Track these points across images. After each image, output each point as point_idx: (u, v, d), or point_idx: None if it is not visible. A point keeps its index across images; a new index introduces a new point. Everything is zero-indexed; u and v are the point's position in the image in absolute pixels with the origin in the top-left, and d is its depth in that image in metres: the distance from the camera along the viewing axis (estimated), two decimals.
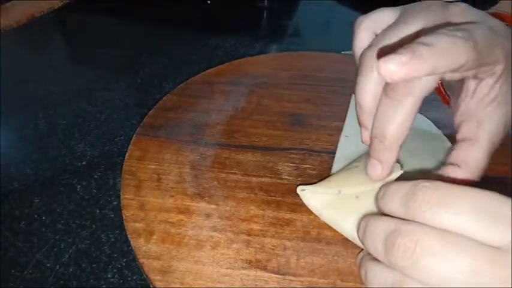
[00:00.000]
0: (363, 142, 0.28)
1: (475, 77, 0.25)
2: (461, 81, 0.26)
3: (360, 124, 0.28)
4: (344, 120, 0.37)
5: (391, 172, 0.26)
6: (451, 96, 0.29)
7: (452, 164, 0.26)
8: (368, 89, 0.26)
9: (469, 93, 0.26)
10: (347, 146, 0.35)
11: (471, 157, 0.25)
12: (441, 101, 0.34)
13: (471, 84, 0.25)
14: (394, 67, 0.20)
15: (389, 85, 0.23)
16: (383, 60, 0.20)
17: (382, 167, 0.25)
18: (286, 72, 0.45)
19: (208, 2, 0.64)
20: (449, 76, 0.25)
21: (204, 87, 0.43)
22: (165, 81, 0.47)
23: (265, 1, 0.64)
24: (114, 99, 0.45)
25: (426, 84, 0.23)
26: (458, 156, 0.26)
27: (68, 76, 0.49)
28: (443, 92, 0.33)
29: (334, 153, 0.35)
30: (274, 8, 0.64)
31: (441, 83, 0.33)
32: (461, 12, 0.24)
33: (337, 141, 0.36)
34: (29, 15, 0.56)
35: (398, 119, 0.23)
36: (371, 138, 0.25)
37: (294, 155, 0.36)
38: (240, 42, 0.54)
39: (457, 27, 0.23)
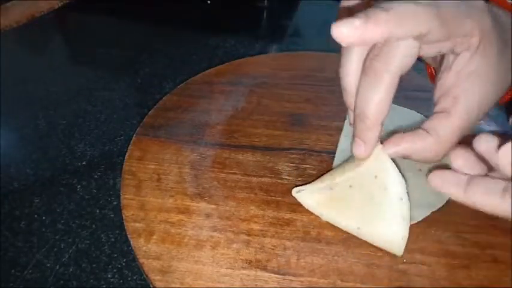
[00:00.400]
0: (350, 124, 0.28)
1: (452, 51, 0.24)
2: (443, 58, 0.26)
3: (347, 106, 0.28)
4: (344, 120, 0.37)
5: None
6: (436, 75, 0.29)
7: (422, 129, 0.25)
8: (350, 70, 0.26)
9: (447, 68, 0.25)
10: (347, 146, 0.35)
11: (443, 127, 0.25)
12: None
13: (449, 58, 0.25)
14: (346, 30, 0.20)
15: (366, 63, 0.24)
16: (335, 24, 0.20)
17: (365, 146, 0.25)
18: (286, 72, 0.45)
19: (208, 2, 0.64)
20: (424, 51, 0.24)
21: (204, 87, 0.43)
22: (165, 81, 0.47)
23: (265, 1, 0.64)
24: (114, 99, 0.45)
25: (402, 60, 0.23)
26: (429, 124, 0.25)
27: (68, 76, 0.49)
28: (434, 75, 0.33)
29: (334, 153, 0.35)
30: (274, 8, 0.63)
31: (434, 70, 0.32)
32: None
33: (337, 141, 0.36)
34: (29, 15, 0.56)
35: (377, 97, 0.23)
36: (354, 118, 0.25)
37: (294, 155, 0.36)
38: (240, 42, 0.54)
39: None
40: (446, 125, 0.25)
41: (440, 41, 0.23)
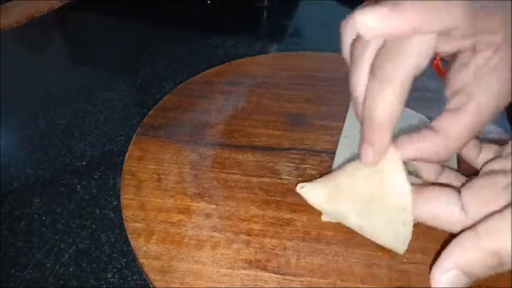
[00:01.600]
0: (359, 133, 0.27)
1: (472, 49, 0.23)
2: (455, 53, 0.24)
3: (357, 114, 0.26)
4: (344, 120, 0.37)
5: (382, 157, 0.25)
6: (447, 69, 0.27)
7: (429, 128, 0.24)
8: (361, 79, 0.25)
9: (463, 65, 0.24)
10: (347, 146, 0.35)
11: (452, 125, 0.23)
12: (441, 104, 0.33)
13: (466, 54, 0.24)
14: (371, 20, 0.19)
15: (376, 62, 0.22)
16: (360, 13, 0.19)
17: (372, 150, 0.24)
18: (286, 72, 0.45)
19: (208, 2, 0.64)
20: (441, 49, 0.23)
21: (204, 87, 0.43)
22: (165, 81, 0.47)
23: (265, 1, 0.64)
24: (114, 99, 0.45)
25: (416, 61, 0.21)
26: (438, 123, 0.24)
27: (68, 76, 0.49)
28: (440, 66, 0.32)
29: (334, 153, 0.35)
30: (274, 8, 0.63)
31: (440, 60, 0.31)
32: None
33: (337, 141, 0.36)
34: (29, 15, 0.56)
35: (386, 102, 0.22)
36: (363, 122, 0.24)
37: (294, 155, 0.36)
38: (240, 42, 0.54)
39: None
40: (455, 123, 0.23)
41: (465, 37, 0.22)
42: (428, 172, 0.27)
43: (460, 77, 0.24)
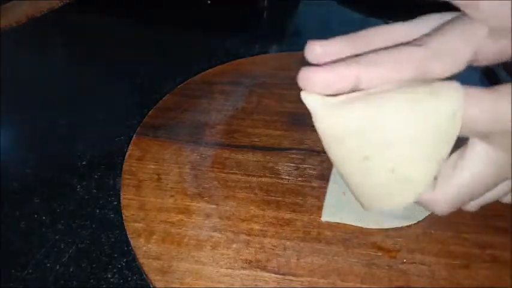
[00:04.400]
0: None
1: None
2: None
3: None
4: None
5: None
6: None
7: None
8: None
9: None
10: None
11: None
12: None
13: None
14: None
15: None
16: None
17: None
18: (286, 72, 0.45)
19: (209, 2, 0.64)
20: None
21: (204, 87, 0.43)
22: (165, 81, 0.47)
23: (265, 1, 0.64)
24: (114, 99, 0.45)
25: None
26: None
27: (68, 76, 0.49)
28: None
29: None
30: (274, 8, 0.63)
31: None
32: None
33: None
34: (29, 15, 0.56)
35: None
36: None
37: (294, 155, 0.36)
38: (240, 42, 0.54)
39: None
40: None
41: None
42: None
43: None
